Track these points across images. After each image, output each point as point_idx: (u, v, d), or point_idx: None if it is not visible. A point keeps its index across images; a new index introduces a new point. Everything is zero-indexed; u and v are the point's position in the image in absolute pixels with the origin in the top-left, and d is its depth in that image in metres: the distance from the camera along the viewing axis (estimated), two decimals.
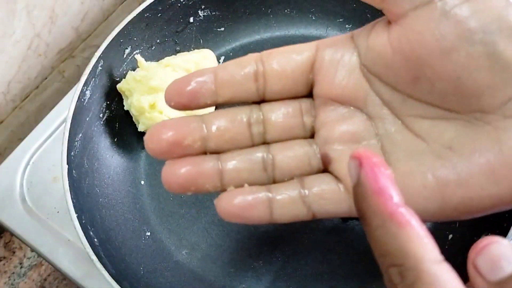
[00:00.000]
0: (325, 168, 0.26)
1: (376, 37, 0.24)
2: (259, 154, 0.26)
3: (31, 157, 0.51)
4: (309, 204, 0.25)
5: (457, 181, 0.23)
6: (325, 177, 0.26)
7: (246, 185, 0.25)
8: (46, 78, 0.60)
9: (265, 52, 0.26)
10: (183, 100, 0.25)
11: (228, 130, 0.26)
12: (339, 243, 0.46)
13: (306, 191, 0.25)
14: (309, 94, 0.27)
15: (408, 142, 0.24)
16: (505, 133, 0.22)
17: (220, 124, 0.26)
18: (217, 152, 0.26)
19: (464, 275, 0.40)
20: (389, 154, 0.25)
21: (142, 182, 0.50)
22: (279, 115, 0.26)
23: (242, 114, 0.26)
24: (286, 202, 0.25)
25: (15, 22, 0.51)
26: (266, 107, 0.26)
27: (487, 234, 0.40)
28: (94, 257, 0.39)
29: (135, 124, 0.50)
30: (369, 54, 0.24)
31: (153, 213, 0.48)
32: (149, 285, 0.43)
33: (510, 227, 0.38)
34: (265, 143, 0.26)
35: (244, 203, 0.25)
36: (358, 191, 0.20)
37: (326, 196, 0.25)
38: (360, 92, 0.25)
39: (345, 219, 0.47)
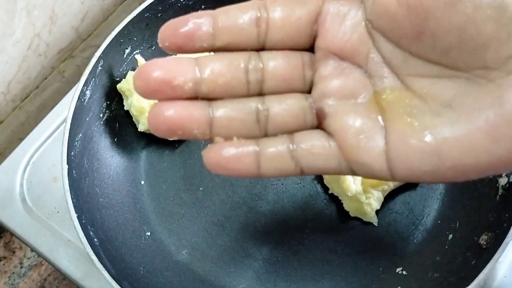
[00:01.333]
0: (319, 123, 0.26)
1: None
2: (253, 104, 0.25)
3: (31, 157, 0.51)
4: (297, 158, 0.25)
5: (455, 139, 0.22)
6: (316, 133, 0.25)
7: (235, 138, 0.25)
8: (46, 78, 0.60)
9: None
10: (178, 41, 0.24)
11: (223, 74, 0.24)
12: (339, 243, 0.46)
13: (295, 146, 0.25)
14: (310, 48, 0.26)
15: (406, 100, 0.24)
16: (507, 91, 0.21)
17: (215, 68, 0.24)
18: (209, 98, 0.25)
19: (464, 275, 0.40)
20: (385, 111, 0.24)
21: (142, 182, 0.50)
22: (279, 63, 0.25)
23: (240, 60, 0.25)
24: (274, 156, 0.25)
25: (15, 22, 0.51)
26: (266, 55, 0.25)
27: (487, 234, 0.40)
28: (94, 257, 0.39)
29: (135, 124, 0.50)
30: (375, 8, 0.24)
31: (153, 213, 0.48)
32: (149, 285, 0.43)
33: (510, 227, 0.38)
34: (261, 93, 0.25)
35: (231, 155, 0.24)
36: None
37: (315, 152, 0.25)
38: (363, 48, 0.25)
39: (345, 219, 0.47)
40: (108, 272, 0.38)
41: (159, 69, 0.23)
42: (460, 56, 0.22)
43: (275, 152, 0.25)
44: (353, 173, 0.25)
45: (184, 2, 0.50)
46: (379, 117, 0.24)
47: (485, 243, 0.40)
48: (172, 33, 0.24)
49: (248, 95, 0.25)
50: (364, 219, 0.46)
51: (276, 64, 0.25)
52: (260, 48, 0.25)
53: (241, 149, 0.25)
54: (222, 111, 0.24)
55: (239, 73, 0.25)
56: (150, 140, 0.51)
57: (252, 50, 0.25)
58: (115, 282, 0.38)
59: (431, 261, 0.44)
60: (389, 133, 0.24)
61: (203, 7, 0.51)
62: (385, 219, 0.47)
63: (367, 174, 0.25)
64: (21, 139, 0.52)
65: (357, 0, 0.25)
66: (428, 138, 0.23)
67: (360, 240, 0.46)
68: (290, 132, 0.25)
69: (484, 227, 0.41)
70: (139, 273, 0.44)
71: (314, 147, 0.25)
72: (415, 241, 0.46)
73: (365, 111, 0.25)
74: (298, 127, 0.25)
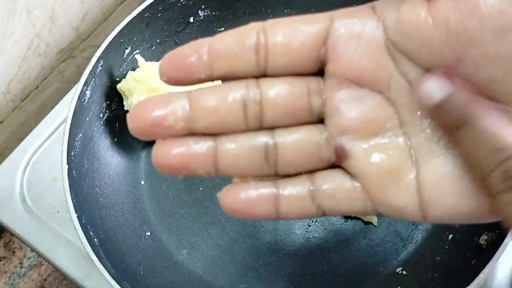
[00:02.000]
0: (338, 162, 0.23)
1: (412, 8, 0.21)
2: (261, 140, 0.23)
3: (31, 157, 0.51)
4: (318, 202, 0.23)
5: None
6: (337, 173, 0.23)
7: (250, 180, 0.23)
8: (46, 78, 0.60)
9: (269, 22, 0.23)
10: (176, 75, 0.23)
11: (217, 110, 0.22)
12: (339, 243, 0.46)
13: (316, 188, 0.23)
14: (318, 72, 0.23)
15: (439, 133, 0.21)
16: None
17: (208, 103, 0.22)
18: (210, 133, 0.23)
19: (464, 275, 0.40)
20: (416, 149, 0.22)
21: (142, 182, 0.50)
22: (281, 93, 0.23)
23: (236, 91, 0.23)
24: (294, 199, 0.23)
25: (15, 22, 0.51)
26: (265, 83, 0.23)
27: (487, 234, 0.40)
28: (94, 257, 0.39)
29: None
30: (400, 27, 0.21)
31: (153, 213, 0.48)
32: (149, 285, 0.43)
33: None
34: (261, 128, 0.23)
35: (249, 199, 0.23)
36: (451, 103, 0.20)
37: (338, 196, 0.23)
38: (384, 73, 0.22)
39: (345, 219, 0.47)
40: (108, 272, 0.38)
41: (150, 109, 0.22)
42: (502, 88, 0.20)
43: (296, 196, 0.23)
44: (380, 214, 0.23)
45: (184, 2, 0.50)
46: (409, 154, 0.22)
47: (485, 243, 0.40)
48: (169, 67, 0.23)
49: (247, 129, 0.23)
50: (364, 219, 0.46)
51: (277, 95, 0.23)
52: (262, 75, 0.23)
53: (259, 193, 0.23)
54: (227, 148, 0.22)
55: (236, 108, 0.22)
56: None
57: (254, 77, 0.23)
58: (115, 282, 0.38)
59: (431, 261, 0.44)
60: (422, 172, 0.22)
61: (203, 7, 0.51)
62: (385, 219, 0.47)
63: (397, 216, 0.23)
64: (21, 139, 0.52)
65: (373, 16, 0.22)
66: (466, 176, 0.21)
67: (360, 240, 0.46)
68: (304, 170, 0.23)
69: (484, 227, 0.41)
70: (139, 273, 0.44)
71: (337, 191, 0.23)
72: (415, 241, 0.46)
73: (392, 148, 0.22)
74: (312, 165, 0.23)
